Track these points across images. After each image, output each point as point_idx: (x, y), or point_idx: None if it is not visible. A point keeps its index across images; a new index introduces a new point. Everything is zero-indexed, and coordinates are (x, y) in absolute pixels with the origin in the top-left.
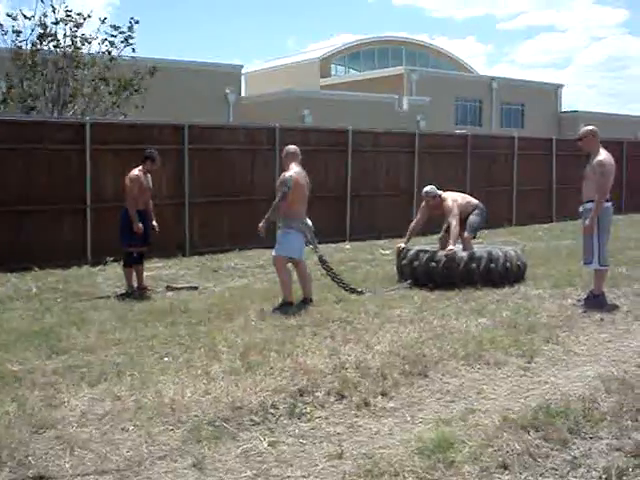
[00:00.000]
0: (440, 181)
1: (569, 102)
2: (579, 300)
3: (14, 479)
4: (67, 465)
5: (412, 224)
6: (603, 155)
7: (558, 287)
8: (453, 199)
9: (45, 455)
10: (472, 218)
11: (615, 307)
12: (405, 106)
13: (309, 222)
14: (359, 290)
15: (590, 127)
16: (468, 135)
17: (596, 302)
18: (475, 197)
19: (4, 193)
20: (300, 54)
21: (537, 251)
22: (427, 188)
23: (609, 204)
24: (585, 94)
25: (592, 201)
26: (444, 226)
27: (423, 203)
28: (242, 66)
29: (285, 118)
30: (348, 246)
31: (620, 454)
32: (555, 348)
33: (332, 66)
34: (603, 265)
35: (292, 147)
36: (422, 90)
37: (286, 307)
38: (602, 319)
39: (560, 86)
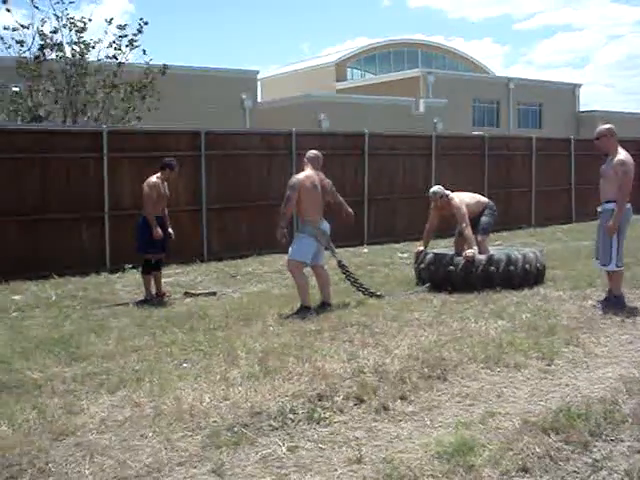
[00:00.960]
0: (458, 183)
1: (587, 102)
2: (599, 302)
3: None
4: (87, 472)
5: (426, 228)
6: (623, 154)
7: (578, 288)
8: (460, 199)
9: (65, 462)
10: (483, 219)
11: (634, 308)
12: (422, 108)
13: (325, 226)
14: (378, 293)
15: (607, 125)
16: (485, 136)
17: (617, 303)
18: (489, 197)
19: (23, 202)
20: (315, 58)
21: (557, 252)
22: (433, 188)
23: (629, 205)
24: (603, 93)
25: (611, 201)
26: (457, 229)
27: (432, 205)
28: (258, 71)
29: (302, 123)
30: (366, 250)
31: None
32: (575, 350)
33: (348, 70)
34: (620, 266)
35: (312, 152)
36: (439, 92)
37: (304, 312)
38: (623, 320)
39: (578, 86)
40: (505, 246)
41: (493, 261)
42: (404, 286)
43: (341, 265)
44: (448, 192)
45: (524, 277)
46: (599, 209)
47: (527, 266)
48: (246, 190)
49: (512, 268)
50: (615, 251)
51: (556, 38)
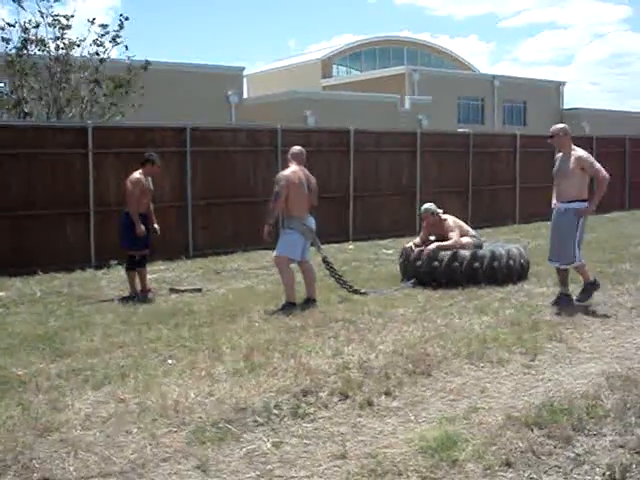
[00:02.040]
0: (443, 180)
1: (571, 99)
2: (576, 296)
3: None
4: (71, 468)
5: (417, 243)
6: (580, 151)
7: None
8: (455, 221)
9: (49, 458)
10: (466, 238)
11: (618, 304)
12: (407, 106)
13: (311, 222)
14: (362, 291)
15: (561, 125)
16: (470, 133)
17: (593, 287)
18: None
19: (7, 198)
20: (302, 55)
21: (540, 249)
22: (425, 205)
23: (586, 203)
24: (588, 91)
25: (574, 201)
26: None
27: (424, 223)
28: (244, 68)
29: (287, 119)
30: (351, 246)
31: (624, 451)
32: (558, 345)
33: (334, 67)
34: (581, 259)
35: (296, 148)
36: (424, 89)
37: (289, 307)
38: (606, 316)
39: (562, 83)
40: (489, 242)
41: (477, 257)
42: (389, 282)
43: (326, 261)
44: (440, 211)
45: (508, 273)
46: (561, 208)
47: (511, 262)
48: (231, 186)
49: (496, 264)
50: (577, 247)
51: (541, 36)
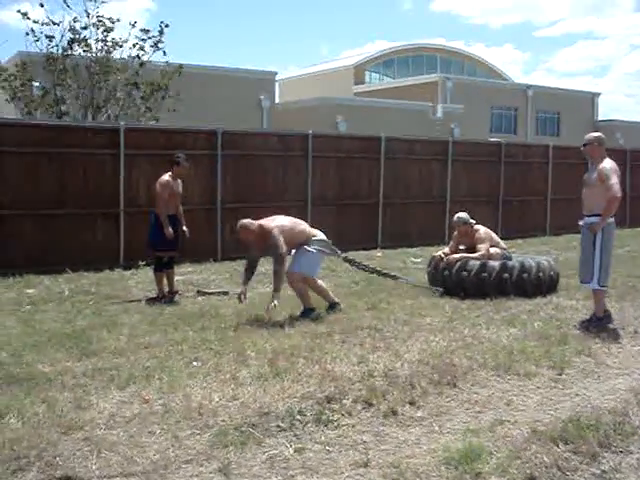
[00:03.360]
0: (473, 189)
1: (607, 111)
2: (582, 322)
3: (42, 479)
4: (94, 467)
5: (447, 252)
6: (608, 162)
7: (591, 298)
8: (486, 232)
9: (72, 456)
10: (495, 249)
11: (614, 330)
12: (439, 114)
13: (321, 236)
14: (392, 274)
15: (596, 134)
16: (502, 143)
17: (599, 325)
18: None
19: (39, 196)
20: (334, 61)
21: (571, 261)
22: (459, 214)
23: (612, 219)
24: (623, 103)
25: (596, 215)
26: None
27: (455, 233)
28: (276, 73)
29: (319, 125)
30: (379, 254)
31: None
32: (587, 360)
33: (366, 73)
34: (602, 285)
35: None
36: (457, 98)
37: (309, 312)
38: (636, 331)
39: (597, 94)
40: (519, 254)
41: (507, 268)
42: (416, 290)
43: (348, 260)
44: (473, 221)
45: (537, 285)
46: (581, 222)
47: (541, 274)
48: (261, 190)
49: (525, 276)
50: (598, 268)
51: (577, 46)
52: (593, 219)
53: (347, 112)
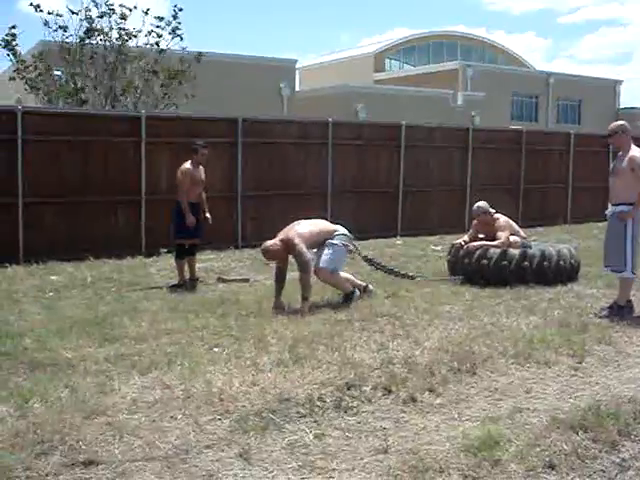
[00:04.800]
0: (494, 177)
1: (630, 98)
2: (602, 309)
3: (65, 463)
4: (116, 451)
5: (466, 241)
6: (637, 150)
7: (612, 287)
8: (506, 221)
9: (95, 441)
10: (515, 237)
11: (636, 319)
12: (460, 101)
13: (343, 230)
14: (410, 274)
15: (620, 122)
16: (523, 131)
17: (619, 313)
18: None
19: (62, 184)
20: (354, 49)
21: (592, 250)
22: (478, 203)
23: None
24: None
25: (624, 204)
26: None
27: (474, 221)
28: (296, 60)
29: (339, 113)
30: (399, 241)
31: None
32: (607, 349)
33: (386, 61)
34: (634, 273)
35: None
36: (477, 85)
37: (350, 296)
38: None
39: (619, 82)
40: (540, 242)
41: (527, 256)
42: (436, 276)
43: (367, 259)
44: (493, 210)
45: (558, 273)
46: (608, 212)
47: (561, 262)
48: (281, 178)
49: (546, 264)
50: (630, 257)
51: (600, 33)
52: (623, 207)
53: (367, 100)
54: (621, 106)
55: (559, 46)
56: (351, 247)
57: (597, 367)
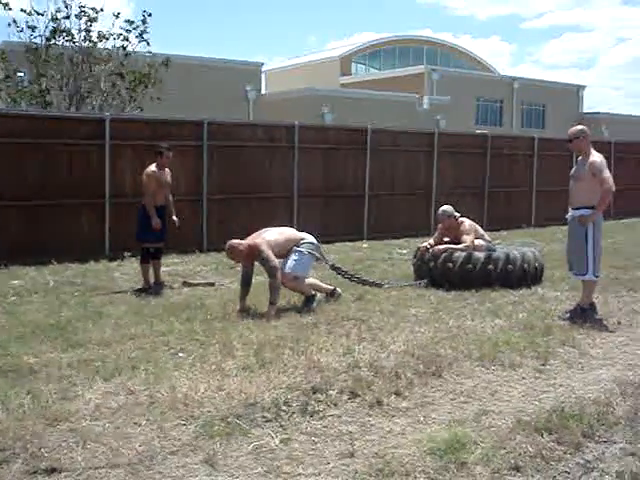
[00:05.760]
0: (459, 181)
1: (593, 103)
2: (566, 312)
3: (27, 471)
4: (79, 458)
5: (431, 243)
6: (596, 155)
7: (576, 289)
8: (471, 224)
9: (58, 448)
10: (479, 240)
11: (598, 321)
12: (425, 105)
13: (311, 239)
14: (377, 282)
15: (580, 127)
16: (488, 135)
17: (582, 315)
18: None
19: (24, 187)
20: (321, 52)
21: (556, 253)
22: (444, 207)
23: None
24: (610, 95)
25: (584, 207)
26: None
27: (439, 225)
28: (263, 63)
29: (305, 116)
30: (365, 245)
31: (634, 459)
32: (571, 351)
33: (353, 64)
34: (597, 276)
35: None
36: (443, 89)
37: (310, 300)
38: (619, 322)
39: (582, 87)
40: (504, 245)
41: (492, 259)
42: (403, 282)
43: (334, 268)
44: (458, 214)
45: (522, 276)
46: (568, 216)
47: (525, 265)
48: (247, 181)
49: (510, 267)
50: (592, 260)
51: (564, 38)
52: (583, 211)
53: (333, 103)
54: (584, 111)
55: (524, 51)
56: (318, 255)
57: (561, 369)
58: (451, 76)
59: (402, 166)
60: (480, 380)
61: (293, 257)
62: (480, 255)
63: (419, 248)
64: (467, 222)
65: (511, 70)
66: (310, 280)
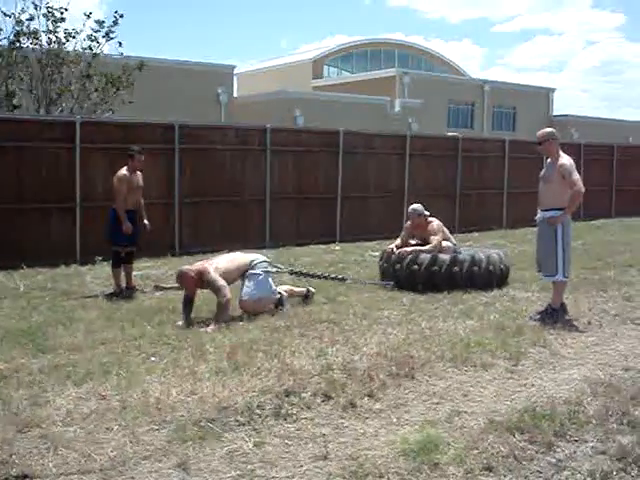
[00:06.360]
0: (431, 183)
1: (562, 106)
2: (537, 312)
3: None
4: (51, 464)
5: (397, 244)
6: (565, 158)
7: (546, 290)
8: (439, 224)
9: (29, 454)
10: (446, 242)
11: (569, 321)
12: (397, 108)
13: (261, 258)
14: (340, 277)
15: (548, 130)
16: (459, 138)
17: (553, 316)
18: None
19: None
20: (293, 55)
21: (526, 254)
22: (414, 206)
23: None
24: (579, 98)
25: (553, 209)
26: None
27: (407, 223)
28: (234, 66)
29: (277, 119)
30: (338, 247)
31: (605, 457)
32: (542, 351)
33: (325, 67)
34: (566, 277)
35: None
36: (414, 92)
37: (282, 300)
38: (590, 322)
39: (552, 90)
40: (471, 247)
41: (457, 261)
42: (367, 279)
43: (293, 272)
44: (427, 213)
45: (488, 278)
46: (537, 217)
47: (491, 267)
48: (219, 184)
49: (476, 269)
50: (562, 261)
51: (534, 42)
52: (552, 213)
53: (305, 106)
54: (554, 113)
55: (495, 54)
56: (273, 270)
57: (532, 369)
58: (422, 79)
59: (374, 168)
60: (452, 381)
61: (248, 283)
62: (446, 257)
63: (385, 250)
64: (435, 222)
65: (482, 73)
66: (282, 287)
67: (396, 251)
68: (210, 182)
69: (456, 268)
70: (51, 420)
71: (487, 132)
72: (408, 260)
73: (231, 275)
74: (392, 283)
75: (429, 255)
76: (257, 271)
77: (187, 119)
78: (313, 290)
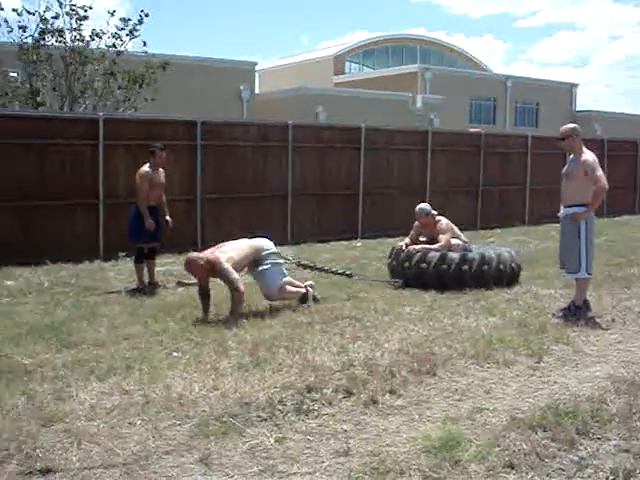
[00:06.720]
0: (453, 179)
1: (586, 101)
2: (560, 309)
3: (21, 472)
4: (74, 458)
5: (407, 242)
6: (589, 154)
7: (569, 287)
8: (447, 223)
9: (53, 448)
10: (456, 240)
11: (592, 318)
12: (419, 104)
13: (267, 246)
14: (347, 273)
15: (571, 125)
16: (482, 133)
17: (576, 313)
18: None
19: (18, 188)
20: (314, 51)
21: (548, 250)
22: (421, 205)
23: (585, 208)
24: (602, 93)
25: (577, 205)
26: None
27: (416, 223)
28: (256, 63)
29: (299, 115)
30: (359, 244)
31: (628, 455)
32: (565, 348)
33: (346, 63)
34: (590, 274)
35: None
36: (436, 88)
37: (307, 295)
38: (613, 320)
39: (575, 85)
40: (479, 245)
41: (466, 260)
42: (376, 277)
43: (301, 264)
44: (435, 212)
45: (498, 277)
46: (560, 213)
47: (501, 266)
48: (241, 181)
49: (486, 267)
50: (585, 258)
51: (557, 37)
52: (575, 209)
53: (327, 102)
54: (577, 109)
55: (517, 49)
56: (281, 261)
57: (555, 367)
58: (444, 75)
59: (396, 165)
60: (474, 378)
61: (265, 273)
62: (455, 255)
63: (394, 248)
64: (444, 221)
65: (504, 68)
66: (308, 282)
67: (405, 249)
68: (232, 178)
69: (465, 266)
70: (75, 415)
71: (509, 128)
72: (417, 258)
73: (242, 263)
74: (400, 281)
75: (438, 253)
76: (268, 265)
77: (209, 116)
78: (312, 283)
